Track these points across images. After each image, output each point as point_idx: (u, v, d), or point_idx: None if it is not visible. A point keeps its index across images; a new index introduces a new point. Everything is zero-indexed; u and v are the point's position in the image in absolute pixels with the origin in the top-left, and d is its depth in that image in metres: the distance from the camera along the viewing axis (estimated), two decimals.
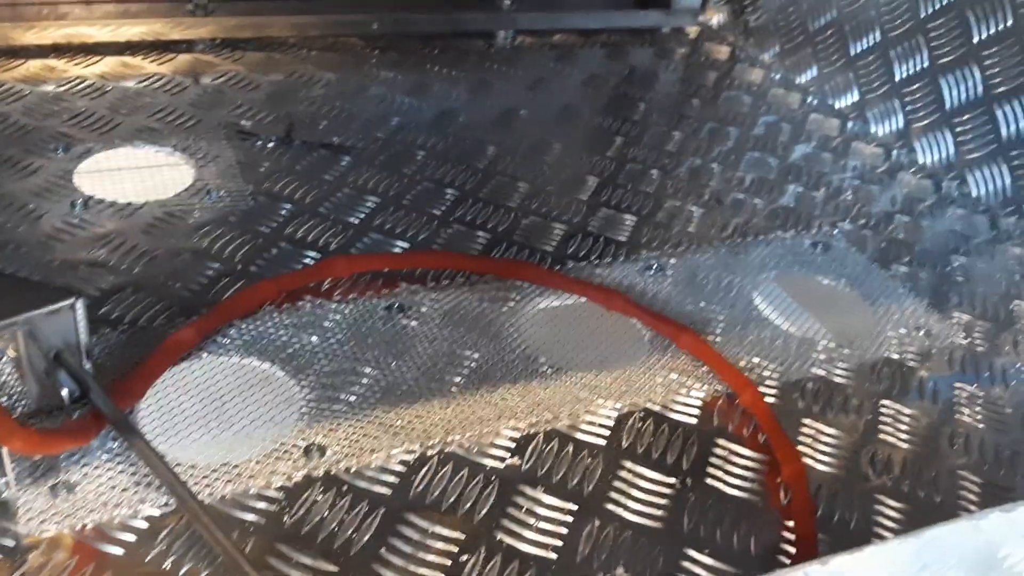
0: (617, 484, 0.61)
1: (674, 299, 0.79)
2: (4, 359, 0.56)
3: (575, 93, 1.15)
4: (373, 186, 0.89)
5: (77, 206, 0.79)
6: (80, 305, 0.58)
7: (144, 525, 0.54)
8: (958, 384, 0.75)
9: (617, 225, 0.89)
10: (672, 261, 0.85)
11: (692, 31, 1.37)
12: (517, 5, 1.24)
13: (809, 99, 1.22)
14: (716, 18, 1.38)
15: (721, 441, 0.66)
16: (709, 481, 0.63)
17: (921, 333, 0.80)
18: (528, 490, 0.60)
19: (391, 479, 0.59)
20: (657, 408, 0.68)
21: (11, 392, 0.57)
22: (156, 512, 0.55)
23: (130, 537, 0.53)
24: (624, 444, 0.65)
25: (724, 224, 0.92)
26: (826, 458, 0.66)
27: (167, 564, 0.52)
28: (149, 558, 0.52)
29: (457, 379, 0.68)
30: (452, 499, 0.59)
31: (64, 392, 0.57)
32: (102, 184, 0.83)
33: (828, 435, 0.68)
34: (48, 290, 0.59)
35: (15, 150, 0.86)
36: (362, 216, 0.84)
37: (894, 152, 1.11)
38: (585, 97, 1.15)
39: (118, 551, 0.52)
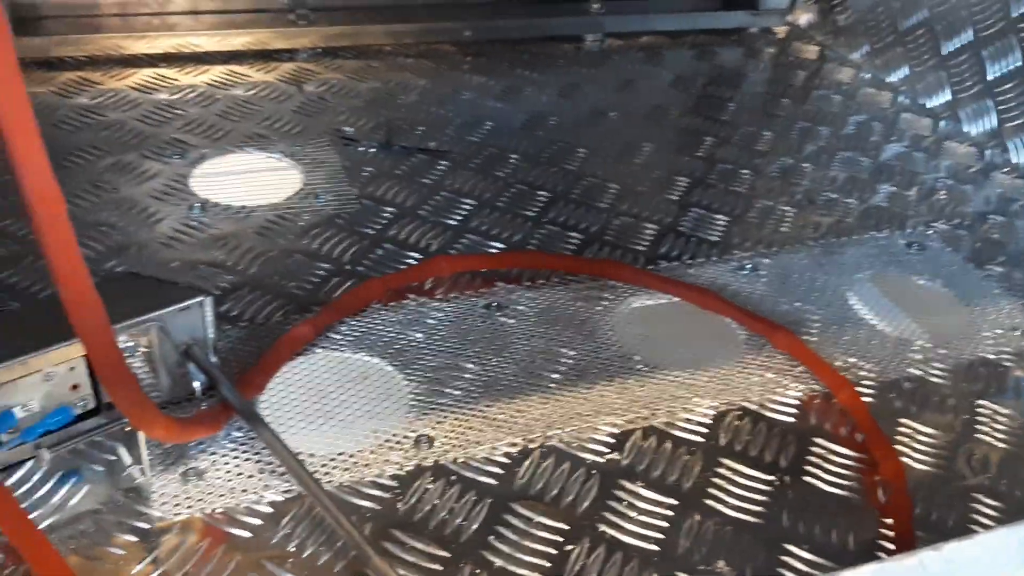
0: (716, 480, 0.63)
1: (768, 299, 0.80)
2: (138, 353, 0.61)
3: (664, 94, 1.16)
4: (469, 189, 0.92)
5: (195, 209, 0.84)
6: (208, 303, 0.62)
7: (269, 510, 0.58)
8: None
9: (709, 225, 0.90)
10: (765, 261, 0.86)
11: (780, 31, 1.37)
12: (605, 8, 1.25)
13: (900, 98, 1.21)
14: (804, 18, 1.38)
15: (818, 440, 0.67)
16: (807, 479, 0.64)
17: (1017, 333, 0.79)
18: (628, 484, 0.62)
19: (496, 470, 0.62)
20: (754, 407, 0.69)
21: (144, 385, 0.62)
22: (279, 498, 0.59)
23: (256, 521, 0.57)
24: (722, 442, 0.66)
25: (817, 224, 0.92)
26: (923, 457, 0.67)
27: (291, 547, 0.56)
28: (274, 541, 0.56)
29: (555, 375, 0.70)
30: (555, 491, 0.61)
31: (196, 384, 0.61)
32: (217, 188, 0.87)
33: (925, 434, 0.69)
34: (178, 289, 0.63)
35: (133, 155, 0.91)
36: (459, 218, 0.87)
37: (987, 152, 1.10)
38: (674, 98, 1.16)
39: (245, 534, 0.56)
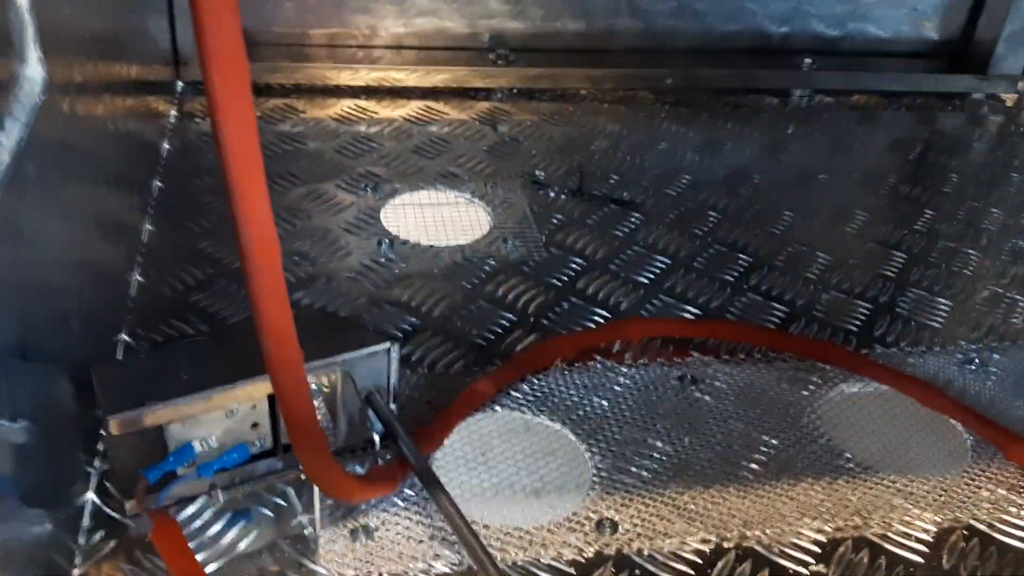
0: None
1: (999, 401, 0.71)
2: (320, 396, 0.58)
3: (879, 158, 1.07)
4: (663, 246, 0.87)
5: (384, 245, 0.82)
6: (395, 351, 0.59)
7: None
8: None
9: (930, 309, 0.81)
10: (996, 357, 0.76)
11: (1009, 99, 1.25)
12: (817, 63, 1.18)
13: None
14: None
15: None
16: None
17: None
18: None
19: (685, 569, 0.56)
20: (983, 527, 0.60)
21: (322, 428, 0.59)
22: (448, 570, 0.54)
23: None
24: (945, 564, 0.57)
25: None
26: None
27: None
28: None
29: (754, 466, 0.63)
30: None
31: (375, 436, 0.58)
32: (406, 225, 0.85)
33: None
34: (365, 332, 0.61)
35: (329, 186, 0.90)
36: (652, 276, 0.82)
37: None
38: (890, 163, 1.07)
39: None
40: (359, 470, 0.59)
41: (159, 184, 0.88)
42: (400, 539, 0.56)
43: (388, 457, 0.59)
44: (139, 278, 0.75)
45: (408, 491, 0.59)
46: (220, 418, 0.55)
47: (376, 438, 0.58)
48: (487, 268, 0.81)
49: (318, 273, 0.78)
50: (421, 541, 0.56)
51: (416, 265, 0.80)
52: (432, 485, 0.54)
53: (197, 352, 0.61)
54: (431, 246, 0.83)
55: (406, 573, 0.54)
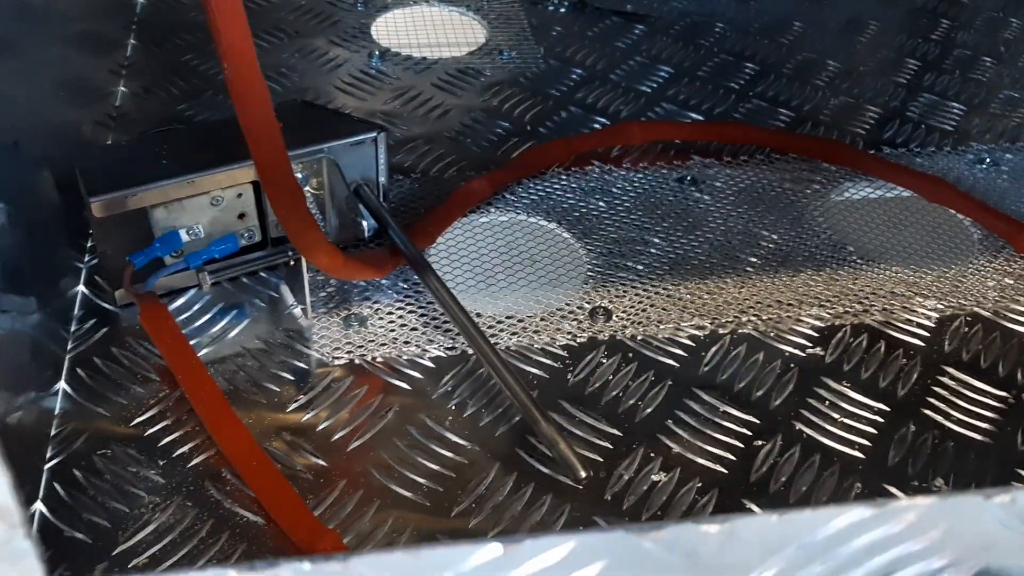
0: (937, 390, 0.54)
1: (1009, 197, 0.69)
2: (309, 186, 0.57)
3: None
4: (667, 56, 0.83)
5: (374, 58, 0.79)
6: (383, 139, 0.57)
7: (431, 365, 0.53)
8: None
9: (942, 112, 0.78)
10: (1008, 156, 0.73)
11: None
12: None
13: None
14: None
15: None
16: None
17: None
18: (832, 383, 0.54)
19: (679, 352, 0.55)
20: (988, 314, 0.59)
21: None
22: (443, 354, 0.54)
23: (417, 375, 0.53)
24: (947, 348, 0.57)
25: None
26: None
27: (452, 404, 0.51)
28: (435, 397, 0.52)
29: (753, 259, 0.62)
30: (745, 381, 0.54)
31: (364, 224, 0.57)
32: (398, 37, 0.82)
33: None
34: (353, 122, 0.59)
35: (316, 1, 0.87)
36: (654, 85, 0.79)
37: None
38: None
39: (405, 386, 0.52)
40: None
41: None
42: (394, 326, 0.55)
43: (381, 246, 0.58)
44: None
45: (402, 284, 0.58)
46: (205, 205, 0.54)
47: (365, 227, 0.57)
48: (482, 80, 0.78)
49: (306, 86, 0.76)
50: (415, 328, 0.55)
51: (409, 78, 0.78)
52: (424, 271, 0.53)
53: (181, 140, 0.60)
54: (424, 58, 0.80)
55: (400, 357, 0.54)
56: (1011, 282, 0.62)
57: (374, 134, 0.57)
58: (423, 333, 0.55)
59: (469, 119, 0.73)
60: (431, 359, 0.54)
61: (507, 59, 0.81)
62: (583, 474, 0.46)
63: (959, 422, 0.52)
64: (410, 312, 0.56)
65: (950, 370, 0.55)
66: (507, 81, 0.78)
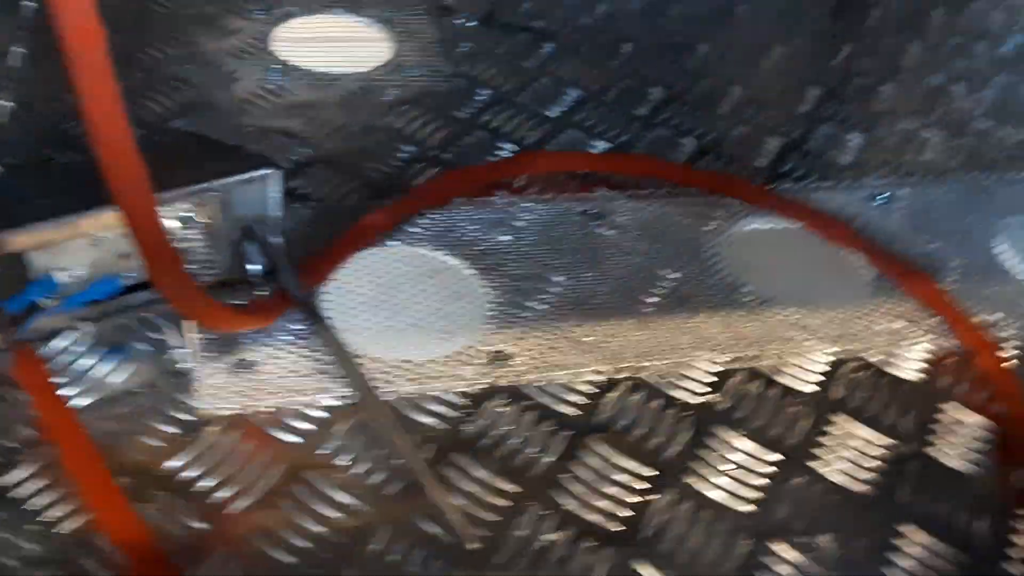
0: (825, 440, 0.55)
1: (903, 236, 0.70)
2: (195, 224, 0.54)
3: None
4: (574, 78, 0.83)
5: (274, 72, 0.76)
6: (277, 178, 0.55)
7: (323, 415, 0.52)
8: None
9: (840, 145, 0.80)
10: (903, 192, 0.75)
11: None
12: None
13: None
14: None
15: (948, 406, 0.58)
16: (930, 450, 0.56)
17: None
18: (725, 432, 0.54)
19: (578, 399, 0.55)
20: (877, 359, 0.61)
21: (200, 260, 0.56)
22: (337, 403, 0.53)
23: (307, 426, 0.51)
24: (838, 395, 0.58)
25: (967, 155, 0.81)
26: None
27: (342, 460, 0.50)
28: (325, 451, 0.50)
29: (652, 299, 0.62)
30: (643, 431, 0.54)
31: (253, 267, 0.55)
32: (300, 51, 0.80)
33: None
34: (246, 158, 0.57)
35: (215, 8, 0.84)
36: (561, 110, 0.78)
37: None
38: None
39: (294, 439, 0.51)
40: (242, 303, 0.56)
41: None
42: (284, 373, 0.54)
43: (269, 290, 0.56)
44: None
45: (294, 326, 0.56)
46: (85, 247, 0.51)
47: (253, 269, 0.55)
48: (387, 98, 0.76)
49: (201, 101, 0.73)
50: (307, 376, 0.54)
51: (310, 94, 0.75)
52: (312, 316, 0.51)
53: (61, 176, 0.57)
54: (326, 73, 0.78)
55: (290, 406, 0.52)
56: (901, 326, 0.63)
57: (267, 172, 0.55)
58: (316, 381, 0.54)
59: (371, 141, 0.72)
60: (323, 408, 0.52)
61: (413, 76, 0.79)
62: (473, 547, 0.45)
63: (845, 473, 0.53)
64: (303, 357, 0.55)
65: (839, 418, 0.56)
66: (412, 100, 0.76)
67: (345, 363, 0.51)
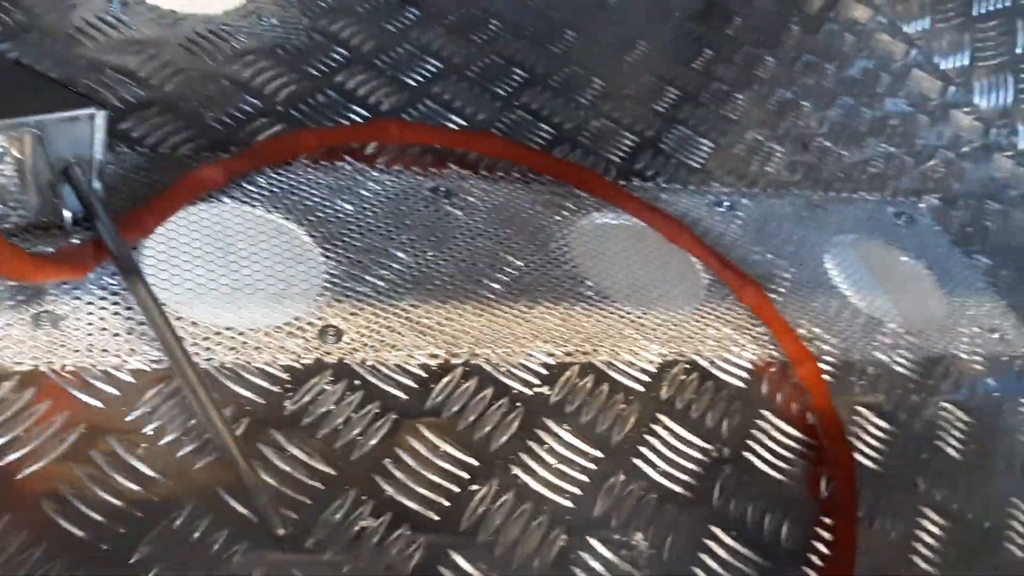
0: (649, 439, 0.56)
1: (741, 245, 0.72)
2: (8, 159, 0.49)
3: None
4: (438, 48, 0.80)
5: (114, 2, 0.71)
6: (102, 118, 0.51)
7: (130, 379, 0.48)
8: None
9: (692, 148, 0.81)
10: (745, 201, 0.77)
11: None
12: None
13: (914, 52, 1.12)
14: None
15: (767, 413, 0.60)
16: (747, 455, 0.57)
17: (995, 336, 0.73)
18: (553, 426, 0.54)
19: (409, 382, 0.53)
20: (704, 362, 0.62)
21: (7, 199, 0.50)
22: (146, 367, 0.49)
23: (112, 390, 0.47)
24: (664, 395, 0.59)
25: (807, 171, 0.84)
26: (874, 454, 0.61)
27: (149, 429, 0.46)
28: (130, 418, 0.47)
29: (496, 285, 0.61)
30: (472, 419, 0.53)
31: (67, 214, 0.51)
32: None
33: (880, 428, 0.62)
34: (69, 94, 0.52)
35: None
36: (421, 79, 0.76)
37: (993, 130, 1.02)
38: None
39: (96, 403, 0.47)
40: (51, 251, 0.52)
41: None
42: (93, 330, 0.49)
43: (84, 239, 0.52)
44: None
45: (108, 279, 0.52)
46: None
47: (67, 216, 0.50)
48: (236, 45, 0.72)
49: (31, 26, 0.66)
50: (117, 335, 0.50)
51: (151, 31, 0.70)
52: (128, 272, 0.48)
53: None
54: (172, 11, 0.72)
55: (94, 367, 0.48)
56: (730, 332, 0.65)
57: (91, 111, 0.50)
58: (126, 340, 0.50)
59: (214, 89, 0.67)
60: (131, 372, 0.49)
61: (267, 26, 0.74)
62: (281, 531, 0.43)
63: (664, 473, 0.54)
64: (114, 315, 0.51)
65: (663, 418, 0.57)
66: (263, 51, 0.72)
67: (159, 325, 0.47)
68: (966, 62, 1.07)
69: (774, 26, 1.06)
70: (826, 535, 0.54)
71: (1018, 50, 1.01)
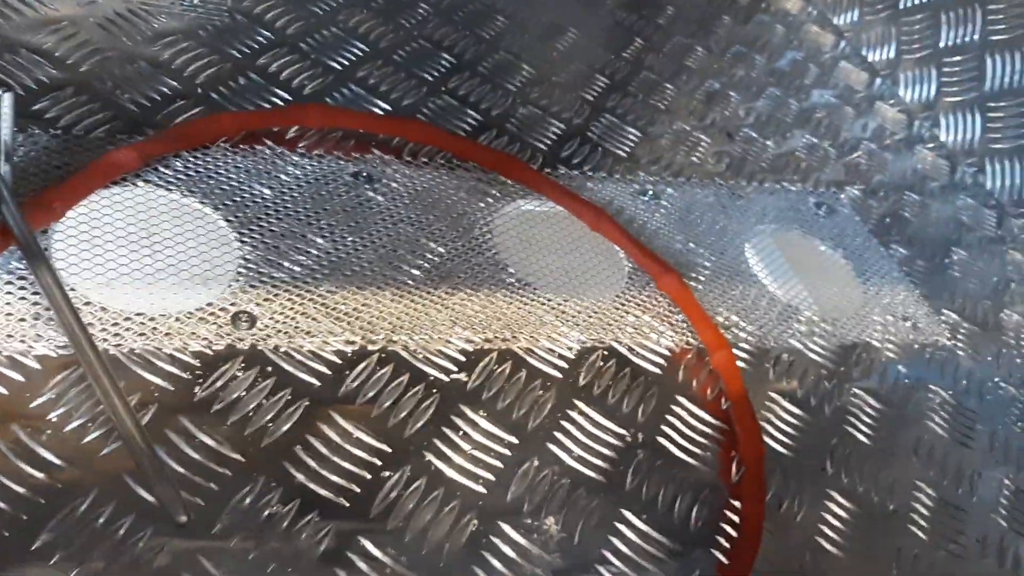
0: (565, 424, 0.56)
1: (663, 233, 0.73)
2: None
3: None
4: (364, 32, 0.80)
5: None
6: (8, 99, 0.50)
7: (36, 365, 0.47)
8: (933, 387, 0.71)
9: (619, 137, 0.82)
10: (669, 191, 0.78)
11: None
12: None
13: (842, 44, 1.14)
14: None
15: (682, 399, 0.61)
16: (661, 440, 0.58)
17: (908, 324, 0.75)
18: (469, 412, 0.55)
19: (322, 369, 0.53)
20: (622, 349, 0.63)
21: None
22: (53, 353, 0.48)
23: (16, 376, 0.47)
24: (581, 382, 0.59)
25: (731, 161, 0.85)
26: (785, 439, 0.62)
27: (53, 416, 0.46)
28: (34, 405, 0.46)
29: (416, 271, 0.61)
30: (386, 405, 0.53)
31: None
32: None
33: (792, 414, 0.64)
34: None
35: None
36: (345, 63, 0.76)
37: (916, 123, 1.04)
38: None
39: (1, 390, 0.46)
40: None
41: None
42: None
43: None
44: None
45: (15, 264, 0.51)
46: None
47: None
48: (155, 25, 0.70)
49: None
50: (23, 319, 0.49)
51: (68, 9, 0.68)
52: (33, 256, 0.47)
53: None
54: None
55: (0, 352, 0.47)
56: (649, 319, 0.66)
57: (1, 91, 0.49)
58: (31, 326, 0.49)
59: (131, 70, 0.66)
60: (37, 358, 0.48)
61: (187, 6, 0.73)
62: (183, 519, 0.43)
63: (578, 458, 0.55)
64: (21, 299, 0.50)
65: (580, 404, 0.58)
66: (183, 32, 0.71)
67: (63, 311, 0.46)
68: (892, 55, 1.10)
69: (705, 16, 1.07)
70: (735, 518, 0.55)
71: (942, 43, 1.03)
